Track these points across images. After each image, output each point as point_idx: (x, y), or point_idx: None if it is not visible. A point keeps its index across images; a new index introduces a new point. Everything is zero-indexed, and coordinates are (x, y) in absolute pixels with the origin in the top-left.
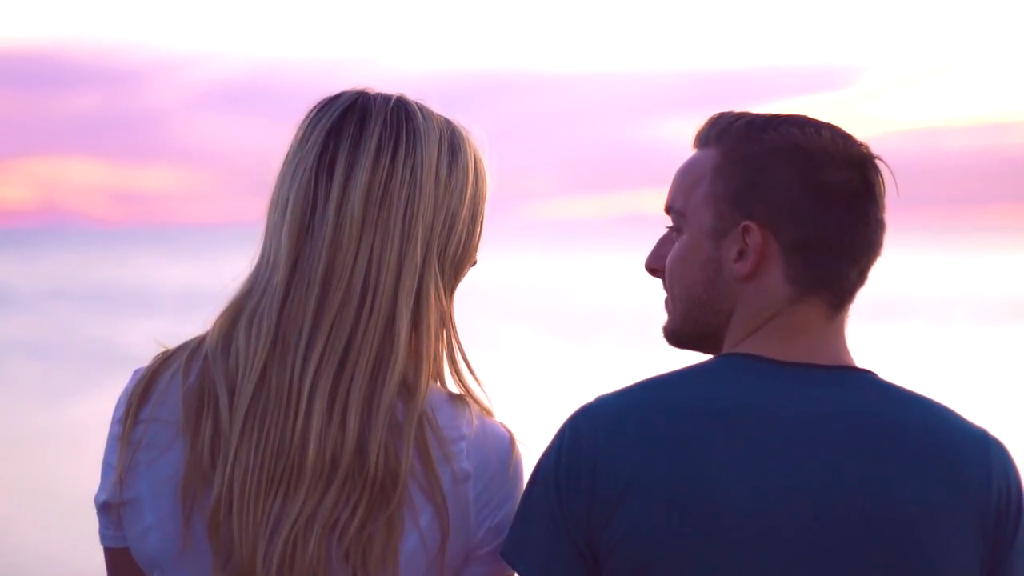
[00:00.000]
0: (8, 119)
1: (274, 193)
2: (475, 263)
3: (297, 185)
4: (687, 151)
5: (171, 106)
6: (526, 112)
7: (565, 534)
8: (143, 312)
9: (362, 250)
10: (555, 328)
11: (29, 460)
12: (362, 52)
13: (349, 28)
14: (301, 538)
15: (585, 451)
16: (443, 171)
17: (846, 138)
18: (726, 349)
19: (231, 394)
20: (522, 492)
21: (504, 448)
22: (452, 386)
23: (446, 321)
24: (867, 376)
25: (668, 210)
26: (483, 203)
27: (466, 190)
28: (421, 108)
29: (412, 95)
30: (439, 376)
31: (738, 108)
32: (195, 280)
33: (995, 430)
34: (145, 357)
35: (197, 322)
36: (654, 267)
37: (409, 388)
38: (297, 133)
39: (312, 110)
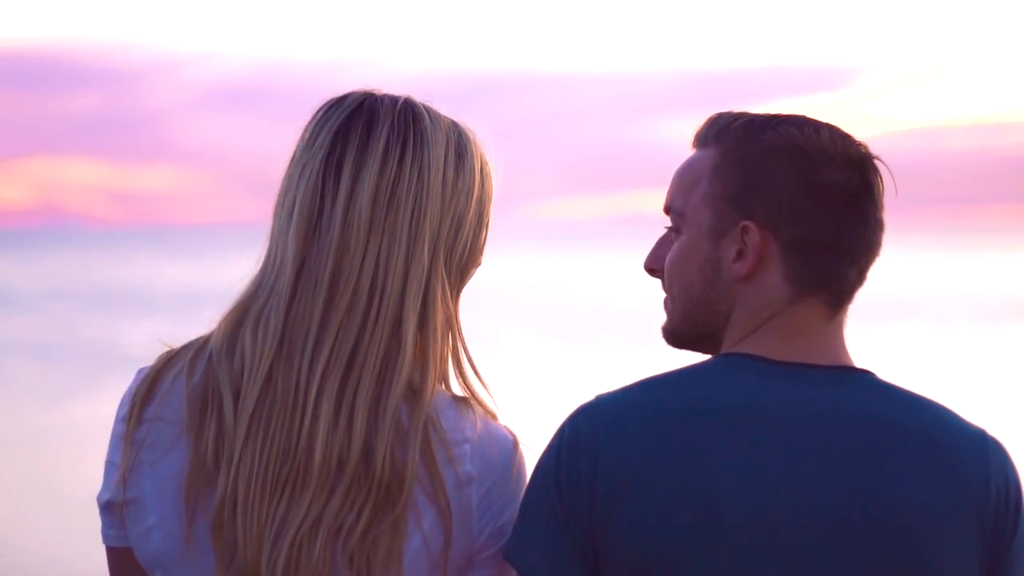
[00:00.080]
0: (8, 119)
1: (280, 194)
2: (480, 265)
3: (304, 187)
4: (687, 151)
5: (171, 106)
6: (526, 112)
7: (567, 532)
8: (143, 312)
9: (369, 253)
10: (555, 328)
11: (29, 460)
12: (362, 52)
13: (349, 28)
14: (306, 541)
15: (585, 450)
16: (450, 174)
17: (845, 138)
18: (725, 349)
19: (236, 395)
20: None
21: (508, 451)
22: (457, 389)
23: (452, 323)
24: (866, 376)
25: (667, 210)
26: (489, 205)
27: (472, 193)
28: (428, 110)
29: (419, 96)
30: (444, 379)
31: (738, 108)
32: (195, 280)
33: (994, 430)
34: (145, 357)
35: (197, 322)
36: (653, 267)
37: (415, 391)
38: (303, 134)
39: (319, 111)
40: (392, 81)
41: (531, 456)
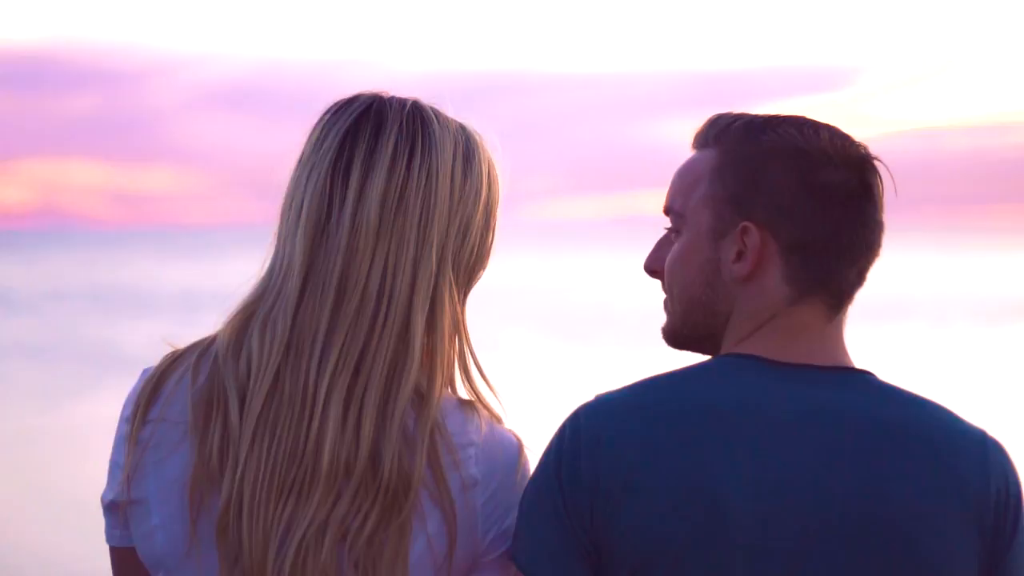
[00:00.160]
0: (8, 119)
1: (287, 196)
2: (486, 268)
3: (312, 189)
4: (687, 152)
5: (170, 107)
6: (526, 112)
7: (568, 530)
8: (142, 313)
9: (377, 256)
10: (555, 328)
11: (29, 460)
12: (362, 53)
13: (348, 29)
14: (313, 544)
15: (586, 449)
16: (458, 178)
17: (844, 139)
18: (725, 350)
19: (241, 397)
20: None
21: (512, 455)
22: (463, 392)
23: (459, 327)
24: (866, 377)
25: (667, 211)
26: (496, 209)
27: (480, 196)
28: (436, 113)
29: (427, 98)
30: (450, 383)
31: (738, 108)
32: (195, 281)
33: (994, 430)
34: (144, 358)
35: (197, 323)
36: (653, 268)
37: (422, 396)
38: (311, 135)
39: (327, 112)
40: (392, 81)
41: (534, 458)
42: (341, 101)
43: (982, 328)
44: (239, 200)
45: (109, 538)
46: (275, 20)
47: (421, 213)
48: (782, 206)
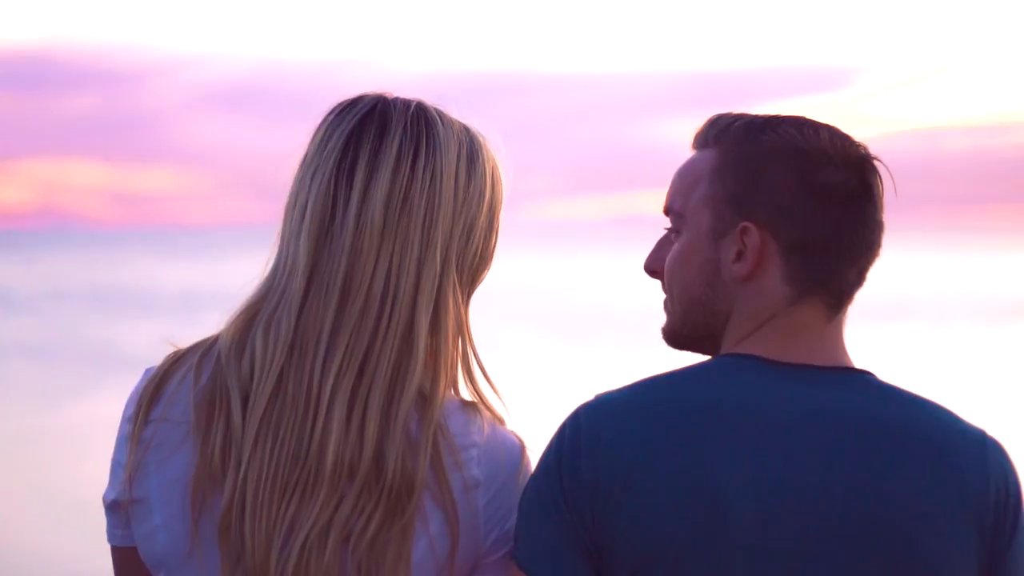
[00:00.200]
0: (8, 119)
1: (291, 196)
2: (490, 269)
3: (316, 190)
4: (687, 152)
5: (170, 107)
6: (526, 112)
7: (570, 527)
8: (142, 313)
9: (382, 258)
10: (555, 328)
11: (29, 460)
12: (362, 53)
13: (348, 29)
14: (317, 545)
15: (587, 448)
16: (462, 179)
17: (844, 139)
18: (725, 350)
19: (244, 397)
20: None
21: (514, 456)
22: (465, 393)
23: (463, 328)
24: (866, 377)
25: (667, 211)
26: (499, 210)
27: (484, 197)
28: (440, 115)
29: (430, 99)
30: (453, 384)
31: (738, 109)
32: (194, 281)
33: (994, 431)
34: (144, 358)
35: (196, 323)
36: (653, 268)
37: (425, 398)
38: (315, 136)
39: (331, 113)
40: (392, 82)
41: (535, 459)
42: (345, 102)
43: (982, 328)
44: (239, 200)
45: (111, 538)
46: (275, 20)
47: (425, 214)
48: (782, 206)
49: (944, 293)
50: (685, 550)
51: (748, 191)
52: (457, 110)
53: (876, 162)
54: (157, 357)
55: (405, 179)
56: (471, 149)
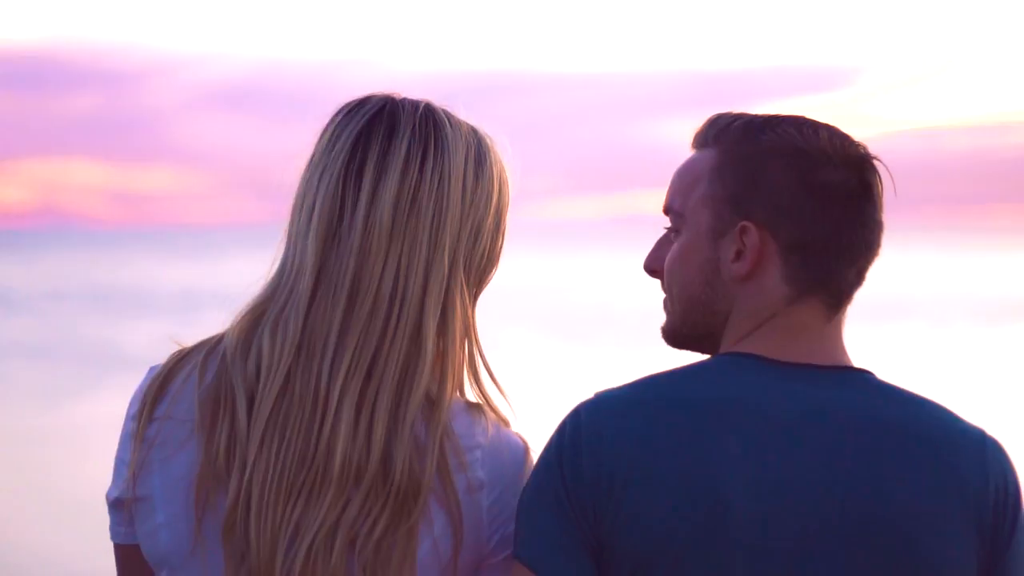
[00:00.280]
0: (8, 119)
1: (298, 197)
2: (496, 271)
3: (324, 191)
4: (686, 151)
5: (170, 107)
6: (525, 112)
7: (572, 521)
8: (142, 313)
9: (390, 259)
10: (555, 328)
11: (29, 460)
12: (362, 53)
13: (348, 29)
14: (323, 547)
15: (588, 445)
16: (470, 181)
17: (844, 138)
18: (724, 349)
19: (249, 397)
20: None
21: (518, 458)
22: (471, 395)
23: (469, 330)
24: (865, 376)
25: (667, 211)
26: (506, 212)
27: (491, 199)
28: (448, 116)
29: (438, 100)
30: (459, 386)
31: (738, 108)
32: (195, 281)
33: (993, 430)
34: (144, 358)
35: (197, 322)
36: (653, 268)
37: (432, 400)
38: (322, 136)
39: (338, 113)
40: (392, 82)
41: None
42: (353, 102)
43: (982, 328)
44: (239, 200)
45: (114, 535)
46: (275, 20)
47: (433, 216)
48: (781, 206)
49: (944, 293)
50: (685, 549)
51: (747, 191)
52: (464, 111)
53: (876, 162)
54: (157, 356)
55: (414, 181)
56: (479, 151)
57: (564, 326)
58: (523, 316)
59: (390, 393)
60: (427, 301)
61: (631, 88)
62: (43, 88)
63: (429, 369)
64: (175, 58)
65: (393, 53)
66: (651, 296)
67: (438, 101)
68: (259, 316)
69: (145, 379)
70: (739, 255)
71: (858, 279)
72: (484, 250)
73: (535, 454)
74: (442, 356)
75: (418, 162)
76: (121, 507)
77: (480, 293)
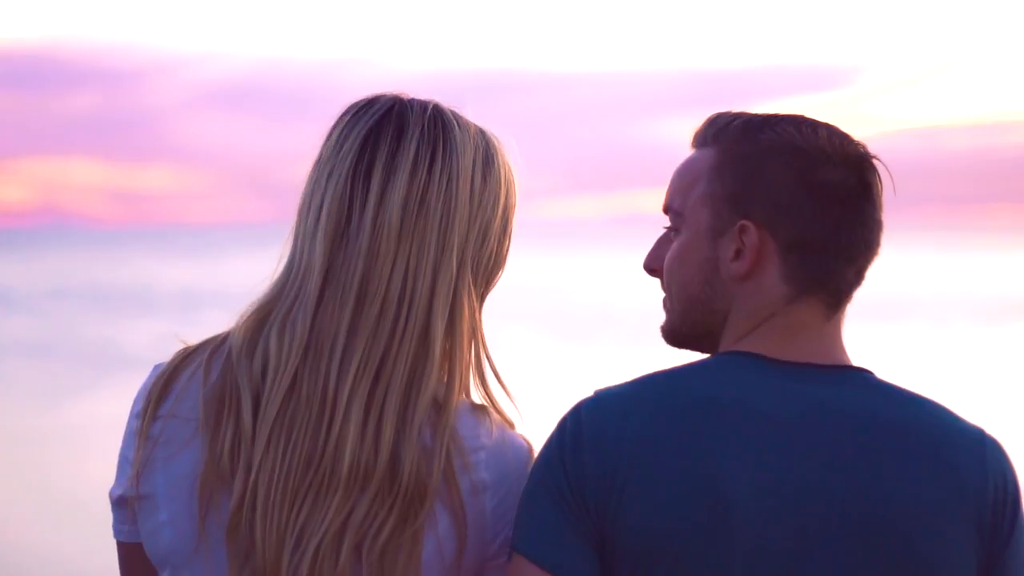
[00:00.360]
0: (8, 119)
1: (305, 197)
2: (503, 272)
3: (332, 191)
4: (686, 151)
5: (170, 106)
6: (525, 111)
7: (573, 514)
8: (142, 312)
9: (399, 261)
10: (555, 328)
11: (29, 460)
12: (362, 52)
13: (348, 28)
14: (332, 548)
15: (589, 440)
16: (477, 183)
17: (843, 137)
18: (723, 348)
19: (255, 397)
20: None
21: (522, 460)
22: (476, 396)
23: (476, 332)
24: (865, 375)
25: (666, 210)
26: (513, 213)
27: (499, 201)
28: (456, 118)
29: (445, 100)
30: (465, 389)
31: (737, 108)
32: (195, 280)
33: (993, 430)
34: (144, 357)
35: (197, 322)
36: (653, 267)
37: (439, 404)
38: (329, 136)
39: (346, 113)
40: (392, 81)
41: None
42: (361, 102)
43: (982, 328)
44: (239, 199)
45: (117, 533)
46: (275, 20)
47: (442, 218)
48: (780, 204)
49: (944, 293)
50: (685, 548)
51: (746, 189)
52: (472, 112)
53: (875, 161)
54: (158, 356)
55: (422, 182)
56: (487, 153)
57: (564, 326)
58: (523, 315)
59: (398, 395)
60: (435, 303)
61: (631, 88)
62: (43, 88)
63: (437, 370)
64: (175, 58)
65: (393, 53)
66: (651, 295)
67: (446, 102)
68: (265, 316)
69: (149, 377)
70: (738, 254)
71: (857, 278)
72: (491, 252)
73: None
74: (449, 357)
75: (426, 164)
76: (124, 505)
77: (487, 294)
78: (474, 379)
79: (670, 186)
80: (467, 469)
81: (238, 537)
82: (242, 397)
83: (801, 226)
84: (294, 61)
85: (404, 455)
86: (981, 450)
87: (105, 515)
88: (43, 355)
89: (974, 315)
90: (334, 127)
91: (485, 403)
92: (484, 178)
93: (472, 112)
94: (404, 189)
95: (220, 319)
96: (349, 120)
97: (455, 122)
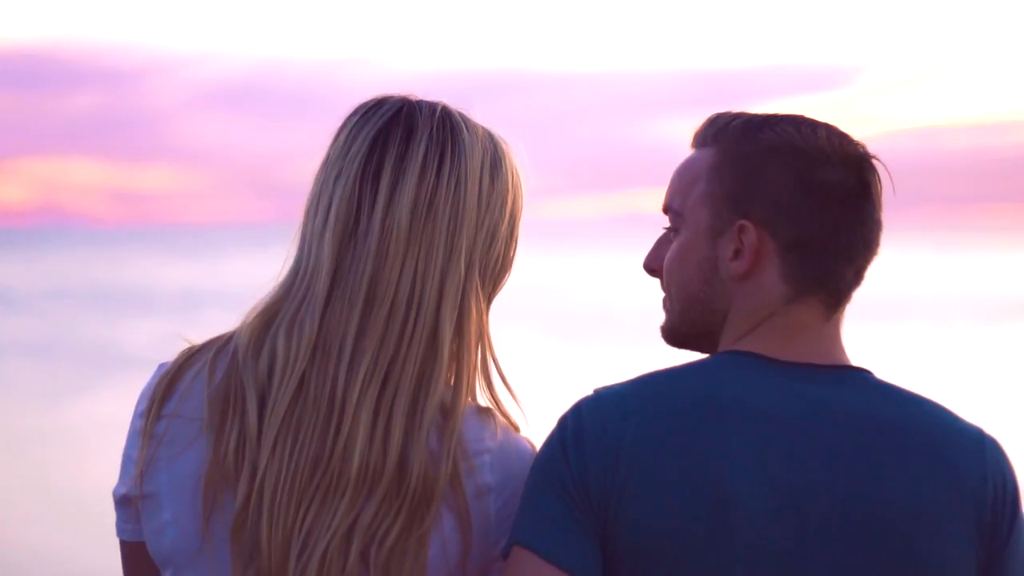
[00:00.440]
0: (8, 119)
1: (312, 198)
2: (510, 275)
3: (340, 192)
4: (686, 151)
5: (170, 106)
6: (525, 111)
7: (577, 508)
8: (142, 312)
9: (407, 263)
10: (555, 327)
11: (29, 460)
12: (362, 52)
13: (348, 28)
14: (340, 551)
15: (591, 438)
16: (485, 185)
17: (842, 137)
18: (723, 347)
19: (261, 398)
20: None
21: (526, 463)
22: (481, 399)
23: (483, 335)
24: (864, 375)
25: (666, 210)
26: (520, 216)
27: (506, 204)
28: (465, 120)
29: (453, 102)
30: (472, 392)
31: (737, 108)
32: (195, 280)
33: (993, 430)
34: (144, 357)
35: (197, 322)
36: (652, 267)
37: (446, 408)
38: (337, 137)
39: (354, 114)
40: (392, 81)
41: None
42: (369, 103)
43: (982, 328)
44: (239, 199)
45: (120, 532)
46: (275, 20)
47: (450, 221)
48: (779, 204)
49: (944, 293)
50: (686, 549)
51: (746, 189)
52: (479, 113)
53: (874, 161)
54: (157, 356)
55: (431, 185)
56: (495, 156)
57: (564, 326)
58: (523, 315)
59: (407, 399)
60: (443, 306)
61: (631, 88)
62: (43, 87)
63: (445, 374)
64: (175, 57)
65: (393, 53)
66: (651, 295)
67: (454, 103)
68: (272, 316)
69: (154, 376)
70: (737, 254)
71: (856, 278)
72: (499, 255)
73: None
74: (456, 360)
75: (435, 165)
76: (128, 504)
77: (494, 297)
78: (480, 381)
79: (670, 186)
80: (471, 472)
81: (243, 537)
82: (247, 397)
83: (800, 226)
84: (294, 61)
85: (412, 458)
86: (980, 450)
87: (105, 515)
88: (43, 355)
89: (974, 315)
90: (342, 128)
91: (490, 405)
92: (492, 181)
93: (479, 113)
94: (413, 192)
95: (220, 319)
96: (358, 121)
97: (463, 125)
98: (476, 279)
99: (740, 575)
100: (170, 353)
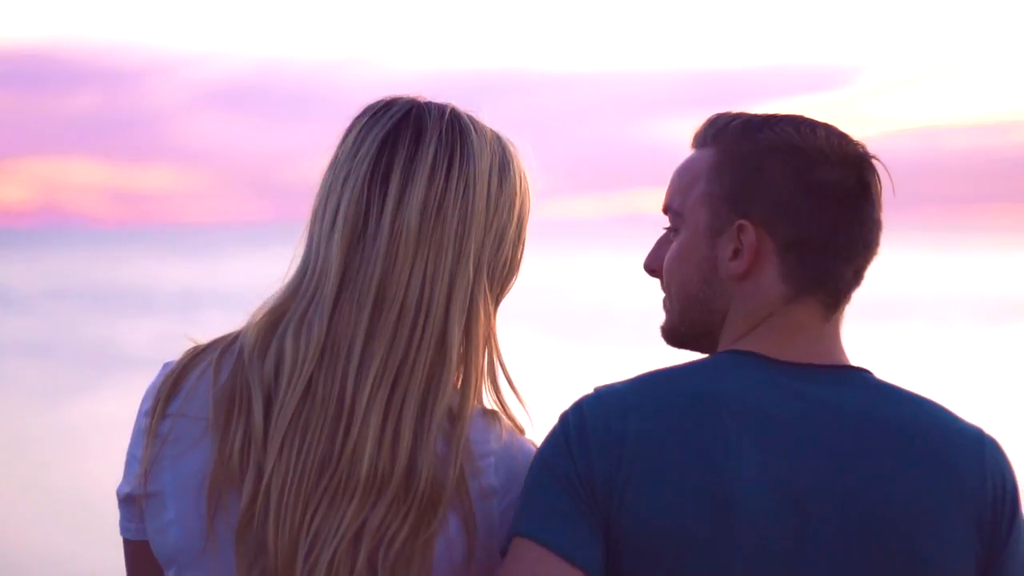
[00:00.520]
0: (8, 119)
1: (320, 199)
2: (517, 278)
3: (349, 194)
4: (686, 151)
5: (171, 106)
6: (525, 111)
7: (580, 500)
8: (143, 312)
9: (416, 266)
10: (555, 327)
11: (29, 460)
12: (362, 52)
13: (348, 28)
14: (349, 553)
15: (593, 435)
16: (494, 188)
17: (842, 137)
18: (722, 347)
19: (267, 399)
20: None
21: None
22: (487, 401)
23: (491, 338)
24: (864, 375)
25: (666, 210)
26: (527, 219)
27: (514, 207)
28: (474, 123)
29: (462, 104)
30: (478, 395)
31: (737, 108)
32: (195, 280)
33: (993, 430)
34: (144, 357)
35: (196, 321)
36: (652, 267)
37: (455, 409)
38: (345, 139)
39: (363, 116)
40: (392, 81)
41: None
42: (378, 104)
43: (982, 328)
44: (239, 199)
45: (123, 531)
46: (275, 20)
47: (459, 224)
48: (779, 204)
49: (944, 293)
50: (686, 548)
51: (745, 189)
52: (488, 115)
53: (874, 161)
54: (157, 356)
55: (440, 188)
56: (503, 159)
57: (564, 325)
58: (523, 315)
59: (416, 402)
60: (452, 310)
61: (631, 88)
62: (43, 87)
63: (453, 377)
64: (175, 57)
65: (393, 53)
66: (651, 296)
67: (462, 105)
68: (279, 317)
69: (159, 375)
70: (736, 253)
71: (856, 278)
72: (506, 258)
73: None
74: (464, 363)
75: (444, 168)
76: (132, 503)
77: (502, 300)
78: (486, 384)
79: (670, 186)
80: (476, 474)
81: (247, 537)
82: (253, 397)
83: (799, 226)
84: (294, 61)
85: (421, 462)
86: (980, 450)
87: (105, 515)
88: (43, 355)
89: (974, 315)
90: (350, 129)
91: (496, 407)
92: (500, 184)
93: (487, 115)
94: (422, 195)
95: (220, 319)
96: (367, 122)
97: (472, 128)
98: (484, 282)
99: (740, 575)
100: (170, 353)
